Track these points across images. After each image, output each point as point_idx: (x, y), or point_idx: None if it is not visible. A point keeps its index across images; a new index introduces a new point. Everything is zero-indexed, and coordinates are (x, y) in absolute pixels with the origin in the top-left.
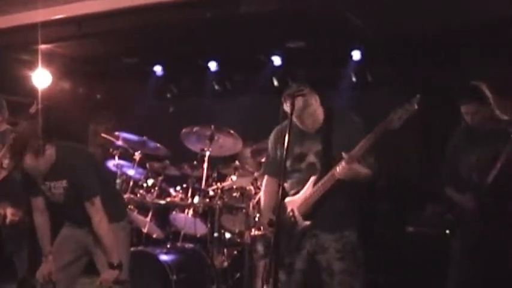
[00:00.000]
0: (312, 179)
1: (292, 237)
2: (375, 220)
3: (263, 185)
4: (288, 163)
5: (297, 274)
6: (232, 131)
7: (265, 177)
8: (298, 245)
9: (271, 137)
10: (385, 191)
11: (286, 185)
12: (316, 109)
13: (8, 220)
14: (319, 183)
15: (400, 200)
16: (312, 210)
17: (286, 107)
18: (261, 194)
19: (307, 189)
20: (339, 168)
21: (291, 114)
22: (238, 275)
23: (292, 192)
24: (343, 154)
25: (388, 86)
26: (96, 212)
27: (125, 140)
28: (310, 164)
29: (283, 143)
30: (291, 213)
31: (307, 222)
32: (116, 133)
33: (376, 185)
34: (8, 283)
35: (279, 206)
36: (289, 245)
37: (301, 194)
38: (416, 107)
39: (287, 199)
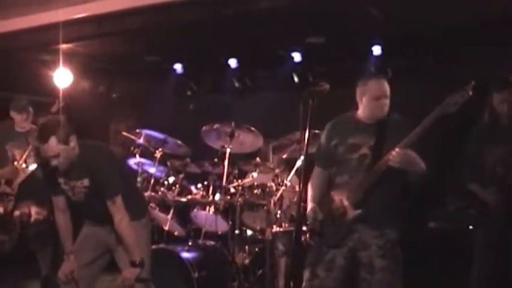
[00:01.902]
0: (363, 167)
1: (340, 227)
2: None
3: (312, 176)
4: (341, 152)
5: (336, 271)
6: (252, 128)
7: (315, 168)
8: (344, 237)
9: (327, 128)
10: (406, 187)
11: (334, 173)
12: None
13: (32, 218)
14: (371, 170)
15: (422, 196)
16: (362, 198)
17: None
18: (309, 185)
19: (358, 176)
20: (393, 154)
21: (311, 110)
22: (260, 272)
23: (339, 180)
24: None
25: (409, 81)
26: (118, 210)
27: (146, 137)
28: (362, 155)
29: (340, 134)
30: (339, 203)
31: (358, 211)
32: (138, 130)
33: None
34: (32, 280)
35: (299, 203)
36: (335, 235)
37: (351, 182)
38: (471, 93)
39: (334, 191)
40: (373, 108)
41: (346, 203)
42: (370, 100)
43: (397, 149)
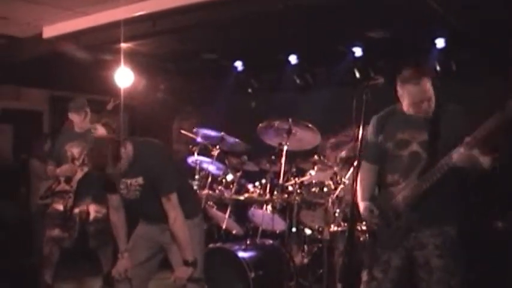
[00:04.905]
0: (417, 169)
1: (397, 231)
2: (466, 215)
3: (360, 172)
4: (390, 148)
5: (393, 271)
6: (310, 125)
7: (363, 163)
8: (400, 241)
9: (372, 122)
10: (474, 184)
11: (384, 170)
12: (433, 98)
13: (91, 216)
14: (430, 172)
15: (489, 194)
16: (419, 201)
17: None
18: (358, 181)
19: (413, 179)
20: (456, 155)
21: (365, 103)
22: (320, 271)
23: (390, 179)
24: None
25: (474, 74)
26: (173, 207)
27: (204, 136)
28: (414, 153)
29: (388, 128)
30: (396, 204)
31: (415, 215)
32: (195, 129)
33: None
34: (93, 277)
35: (352, 202)
36: (391, 239)
37: (406, 183)
38: None
39: (391, 188)
40: (415, 110)
41: (402, 205)
42: (410, 104)
43: (460, 150)
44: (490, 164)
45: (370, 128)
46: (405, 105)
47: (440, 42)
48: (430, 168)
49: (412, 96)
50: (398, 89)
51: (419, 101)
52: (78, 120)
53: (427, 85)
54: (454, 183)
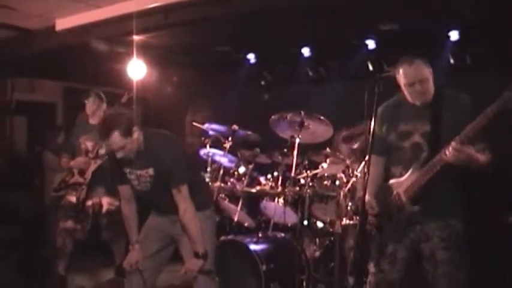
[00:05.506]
0: (418, 160)
1: (398, 224)
2: (475, 208)
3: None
4: (393, 139)
5: (400, 263)
6: (322, 117)
7: (372, 156)
8: (403, 233)
9: (379, 113)
10: (487, 178)
11: (389, 162)
12: (430, 83)
13: (104, 209)
14: (427, 166)
15: (503, 188)
16: (419, 194)
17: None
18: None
19: (414, 171)
20: (448, 151)
21: (377, 95)
22: (332, 264)
23: (394, 171)
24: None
25: (489, 67)
26: (183, 199)
27: (214, 130)
28: (415, 144)
29: (391, 120)
30: (397, 197)
31: (415, 208)
32: (206, 124)
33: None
34: (106, 268)
35: (363, 195)
36: (394, 232)
37: (407, 176)
38: None
39: (392, 181)
40: (411, 95)
41: (403, 198)
42: (405, 87)
43: (452, 145)
44: (487, 161)
45: (377, 119)
46: (403, 88)
47: (454, 35)
48: (430, 159)
49: (406, 76)
50: (397, 74)
51: (413, 81)
52: (91, 111)
53: (422, 66)
54: (458, 175)
